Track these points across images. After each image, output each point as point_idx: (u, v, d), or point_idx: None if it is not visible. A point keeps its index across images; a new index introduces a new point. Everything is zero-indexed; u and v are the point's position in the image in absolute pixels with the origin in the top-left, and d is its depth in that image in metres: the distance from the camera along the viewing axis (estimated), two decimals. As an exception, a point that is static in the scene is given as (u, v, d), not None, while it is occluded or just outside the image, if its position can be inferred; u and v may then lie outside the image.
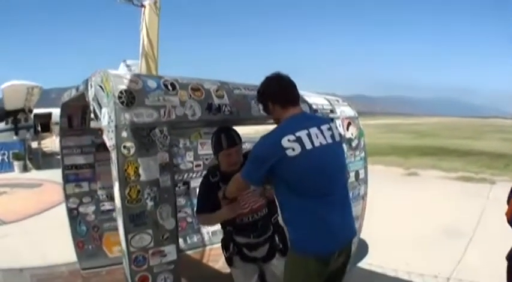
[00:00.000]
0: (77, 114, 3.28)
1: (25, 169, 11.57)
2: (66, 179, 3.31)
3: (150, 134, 1.80)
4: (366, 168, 2.95)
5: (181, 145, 3.93)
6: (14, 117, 12.77)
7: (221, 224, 2.38)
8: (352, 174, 2.74)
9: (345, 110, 2.90)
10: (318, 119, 1.97)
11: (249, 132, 4.98)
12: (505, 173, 9.22)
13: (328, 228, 1.73)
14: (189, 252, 3.84)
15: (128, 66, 9.97)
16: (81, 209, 3.35)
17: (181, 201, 3.89)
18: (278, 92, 1.84)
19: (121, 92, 1.78)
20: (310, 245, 1.74)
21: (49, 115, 13.79)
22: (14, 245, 4.47)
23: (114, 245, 3.38)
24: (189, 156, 3.96)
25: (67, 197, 3.32)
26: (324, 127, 1.79)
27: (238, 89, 2.27)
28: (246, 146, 2.76)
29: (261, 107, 1.98)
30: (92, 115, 2.00)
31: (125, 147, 1.73)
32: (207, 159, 4.01)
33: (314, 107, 2.60)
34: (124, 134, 1.73)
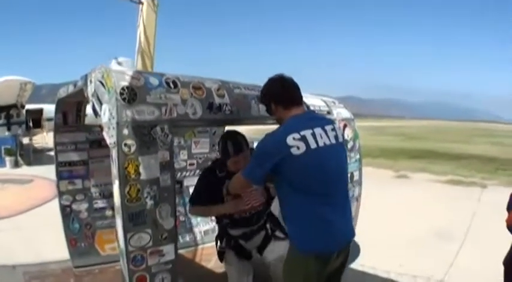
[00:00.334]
0: (72, 111, 3.22)
1: (16, 165, 11.45)
2: (59, 176, 3.25)
3: (151, 131, 1.78)
4: (360, 170, 2.96)
5: (175, 143, 3.89)
6: (6, 112, 12.69)
7: (217, 217, 2.40)
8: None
9: (341, 112, 2.91)
10: (322, 119, 1.98)
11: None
12: (495, 177, 9.34)
13: (329, 228, 1.74)
14: (181, 251, 3.81)
15: (119, 63, 9.89)
16: (74, 206, 3.30)
17: (174, 200, 3.84)
18: (281, 93, 1.84)
19: (123, 89, 1.75)
20: (311, 244, 1.74)
21: (40, 111, 13.75)
22: (6, 242, 4.41)
23: (106, 243, 3.35)
24: (183, 154, 3.89)
25: (60, 194, 3.26)
26: (328, 127, 1.80)
27: (239, 89, 2.26)
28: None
29: (264, 108, 1.98)
30: (91, 111, 1.96)
31: (125, 144, 1.70)
32: (200, 158, 3.97)
33: (312, 108, 2.59)
34: (125, 131, 1.70)
